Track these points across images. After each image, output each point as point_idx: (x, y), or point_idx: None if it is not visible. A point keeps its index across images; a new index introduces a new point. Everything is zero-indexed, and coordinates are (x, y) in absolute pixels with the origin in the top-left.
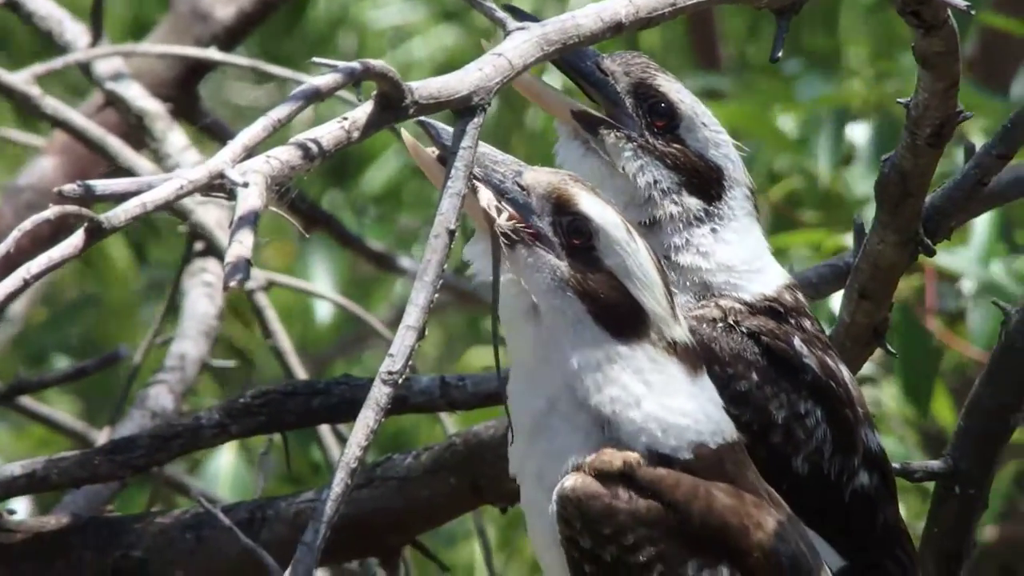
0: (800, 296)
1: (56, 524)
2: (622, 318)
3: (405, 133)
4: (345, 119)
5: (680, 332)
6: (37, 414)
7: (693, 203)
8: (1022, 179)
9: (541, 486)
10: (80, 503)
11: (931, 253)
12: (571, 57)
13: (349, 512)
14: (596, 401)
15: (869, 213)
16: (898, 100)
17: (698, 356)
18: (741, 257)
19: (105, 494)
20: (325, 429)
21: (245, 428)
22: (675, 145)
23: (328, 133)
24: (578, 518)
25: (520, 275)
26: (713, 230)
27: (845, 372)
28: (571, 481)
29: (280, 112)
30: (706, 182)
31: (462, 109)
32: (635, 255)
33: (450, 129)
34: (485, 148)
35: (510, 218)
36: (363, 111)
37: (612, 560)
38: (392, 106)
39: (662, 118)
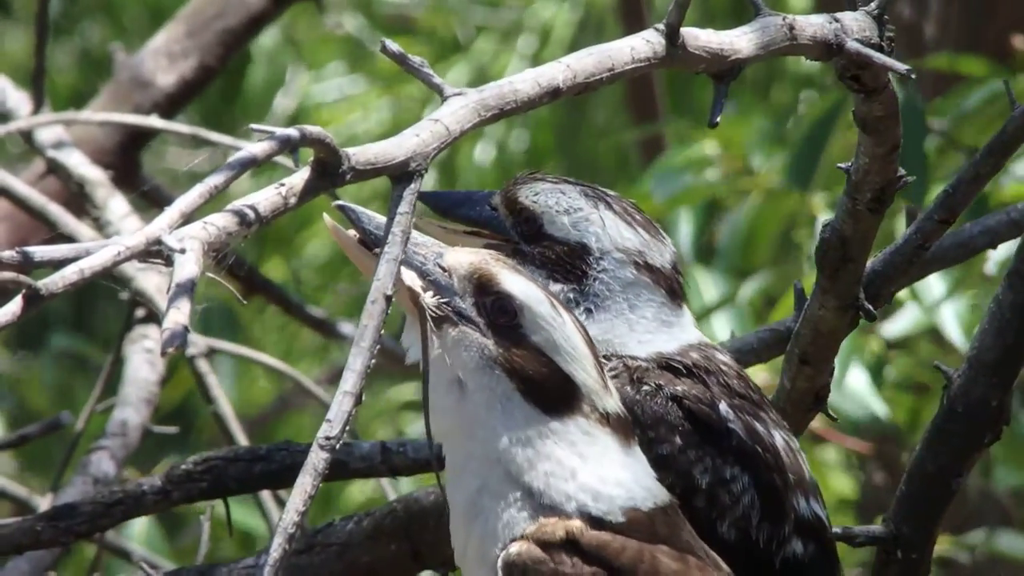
0: (718, 356)
1: None
2: (552, 393)
3: (326, 216)
4: (282, 185)
5: (612, 403)
6: None
7: (556, 288)
8: (963, 243)
9: (484, 564)
10: (23, 568)
11: (872, 318)
12: (464, 211)
13: None
14: (529, 477)
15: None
16: (838, 165)
17: (630, 426)
18: (618, 331)
19: (48, 560)
20: (267, 495)
21: (187, 494)
22: (544, 243)
23: (265, 199)
24: None
25: (447, 353)
26: (587, 310)
27: (778, 438)
28: (516, 547)
29: (217, 179)
30: (570, 265)
31: (399, 175)
32: (561, 328)
33: (370, 213)
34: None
35: (437, 301)
36: (300, 177)
37: None
38: (329, 172)
39: (528, 224)
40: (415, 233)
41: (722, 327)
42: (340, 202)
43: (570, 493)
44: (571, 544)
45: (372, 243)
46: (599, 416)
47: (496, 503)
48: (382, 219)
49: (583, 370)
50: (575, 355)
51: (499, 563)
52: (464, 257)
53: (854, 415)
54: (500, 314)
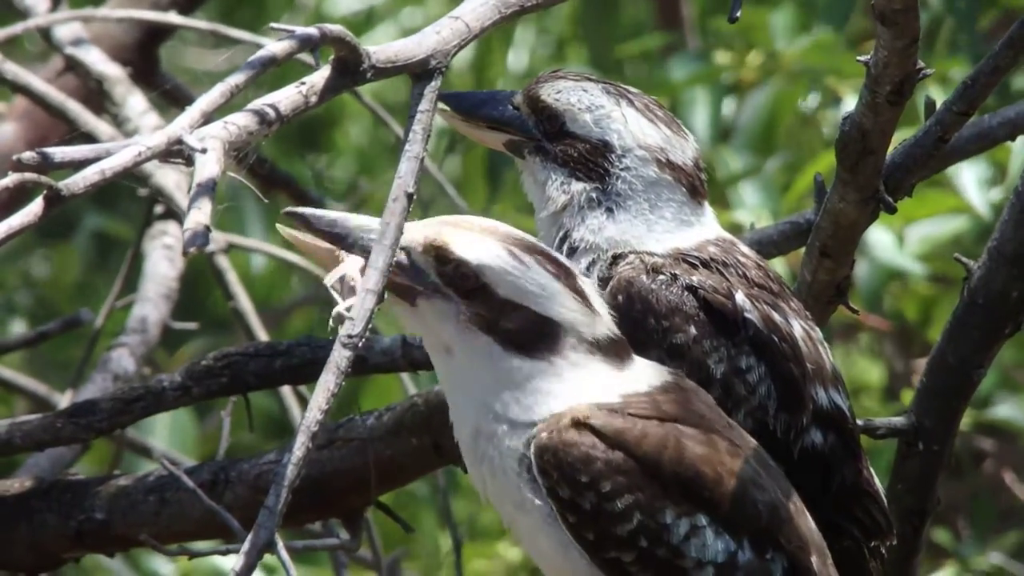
0: (737, 248)
1: (19, 488)
2: (534, 337)
3: (283, 228)
4: (303, 84)
5: (601, 327)
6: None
7: (578, 188)
8: (983, 134)
9: (506, 502)
10: (43, 466)
11: (892, 210)
12: (487, 111)
13: (311, 473)
14: (515, 414)
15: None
16: (858, 58)
17: (623, 344)
18: (636, 231)
19: (68, 457)
20: (287, 390)
21: (207, 390)
22: (566, 141)
23: (286, 98)
24: (555, 467)
25: (427, 325)
26: (608, 210)
27: (797, 328)
28: (545, 433)
29: (237, 78)
30: (592, 163)
31: (420, 73)
32: (526, 274)
33: (319, 212)
34: (361, 220)
35: (402, 280)
36: (321, 76)
37: (591, 508)
38: (350, 70)
39: (550, 122)
40: (368, 218)
41: (750, 197)
42: (290, 208)
43: (554, 408)
44: (587, 427)
45: (330, 240)
46: (587, 345)
47: (493, 446)
48: (334, 215)
49: (560, 306)
50: (547, 295)
51: (532, 449)
52: (418, 234)
53: (884, 259)
54: (463, 279)
